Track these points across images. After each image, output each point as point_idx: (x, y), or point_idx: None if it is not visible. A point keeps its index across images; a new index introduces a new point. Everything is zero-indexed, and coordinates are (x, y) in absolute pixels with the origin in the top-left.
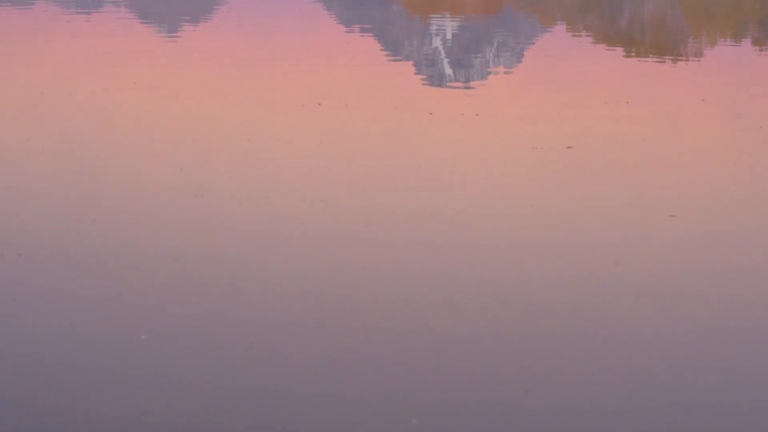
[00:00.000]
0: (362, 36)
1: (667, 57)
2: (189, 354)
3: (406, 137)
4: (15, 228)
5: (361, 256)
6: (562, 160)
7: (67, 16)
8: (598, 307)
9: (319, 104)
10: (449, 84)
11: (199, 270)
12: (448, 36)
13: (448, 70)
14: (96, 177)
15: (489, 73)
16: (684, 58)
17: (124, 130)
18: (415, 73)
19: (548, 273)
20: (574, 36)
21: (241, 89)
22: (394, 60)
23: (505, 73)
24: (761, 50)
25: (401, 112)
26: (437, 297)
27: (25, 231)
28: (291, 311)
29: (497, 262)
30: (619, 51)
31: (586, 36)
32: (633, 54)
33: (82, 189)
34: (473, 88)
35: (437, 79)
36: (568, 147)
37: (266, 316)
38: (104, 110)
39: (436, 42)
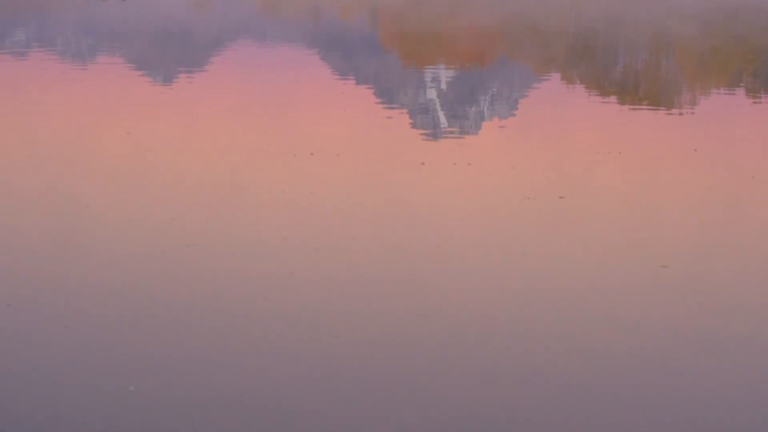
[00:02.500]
0: (357, 85)
1: (660, 107)
2: (177, 405)
3: (396, 187)
4: (5, 278)
5: (352, 306)
6: (554, 209)
7: (63, 65)
8: (590, 357)
9: (312, 154)
10: (443, 134)
11: (190, 319)
12: (443, 86)
13: (443, 120)
14: (87, 226)
15: (483, 122)
16: (677, 108)
17: (116, 179)
18: (410, 123)
19: (539, 324)
20: (568, 86)
21: (233, 139)
22: (389, 110)
23: (500, 122)
24: (754, 100)
25: (393, 162)
26: (427, 347)
27: (15, 282)
28: (282, 361)
29: (488, 313)
30: (613, 101)
31: (580, 86)
32: (626, 104)
33: (74, 238)
34: (467, 137)
35: (431, 129)
36: (561, 197)
37: (256, 365)
38: (97, 159)
39: (431, 92)
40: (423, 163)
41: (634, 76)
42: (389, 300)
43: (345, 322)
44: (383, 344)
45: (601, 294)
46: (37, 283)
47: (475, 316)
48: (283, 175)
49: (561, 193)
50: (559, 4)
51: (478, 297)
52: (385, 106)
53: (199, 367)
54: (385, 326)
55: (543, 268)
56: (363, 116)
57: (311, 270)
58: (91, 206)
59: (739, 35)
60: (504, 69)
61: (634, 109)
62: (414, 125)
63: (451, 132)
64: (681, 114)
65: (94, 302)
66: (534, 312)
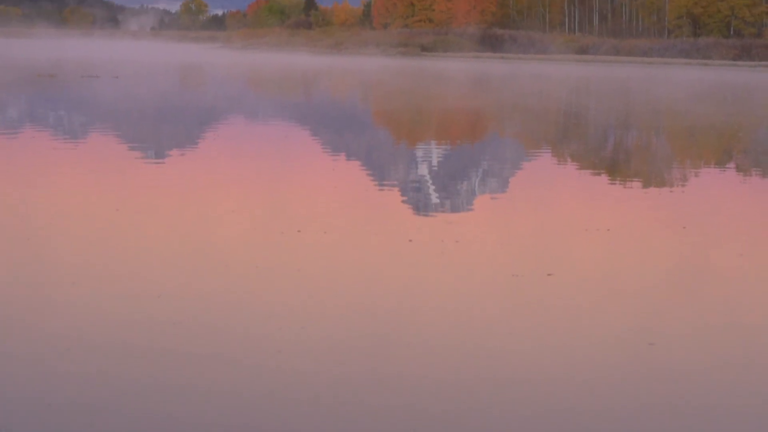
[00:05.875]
0: (348, 162)
1: (650, 183)
2: None
3: (383, 264)
4: None
5: (338, 385)
6: (542, 287)
7: (55, 142)
8: None
9: (299, 231)
10: (433, 211)
11: (176, 397)
12: (435, 163)
13: (433, 197)
14: (72, 304)
15: (474, 199)
16: (667, 184)
17: (102, 255)
18: (400, 200)
19: (528, 401)
20: (559, 162)
21: (222, 215)
22: (379, 186)
23: (490, 199)
24: (744, 178)
25: (381, 239)
26: (414, 427)
27: None
28: None
29: (476, 392)
30: (603, 177)
31: (571, 163)
32: (616, 181)
33: (58, 313)
34: (457, 214)
35: (422, 206)
36: (549, 274)
37: None
38: (84, 236)
39: (422, 168)
40: (410, 240)
41: (624, 153)
42: (376, 379)
43: (332, 400)
44: (369, 425)
45: (587, 371)
46: (18, 358)
47: (464, 394)
48: (270, 252)
49: (549, 271)
50: (550, 81)
51: (465, 375)
52: (376, 182)
53: None
54: (371, 406)
55: (530, 346)
56: (352, 193)
57: (298, 348)
58: (75, 284)
59: (732, 113)
60: (495, 145)
61: (624, 186)
62: (404, 202)
63: (441, 209)
64: (671, 191)
65: (78, 383)
66: (521, 390)
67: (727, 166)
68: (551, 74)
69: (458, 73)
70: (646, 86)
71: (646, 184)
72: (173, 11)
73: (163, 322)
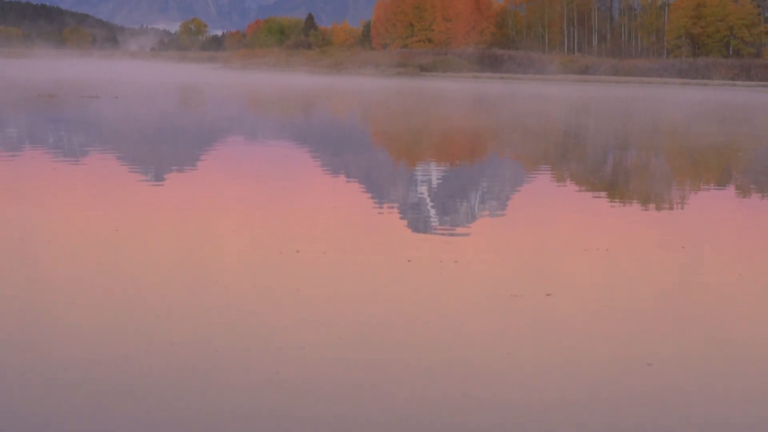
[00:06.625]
0: (348, 182)
1: (649, 204)
2: None
3: (381, 285)
4: None
5: (337, 407)
6: (541, 307)
7: (55, 163)
8: None
9: (297, 251)
10: (433, 231)
11: (174, 416)
12: (434, 183)
13: (433, 217)
14: (70, 324)
15: (473, 219)
16: (667, 204)
17: (101, 276)
18: (399, 220)
19: (526, 425)
20: (558, 183)
21: (220, 236)
22: (379, 206)
23: (489, 219)
24: (743, 197)
25: (379, 259)
26: None
27: None
28: None
29: (474, 411)
30: (603, 197)
31: (570, 183)
32: (616, 201)
33: (56, 336)
34: (456, 234)
35: (421, 226)
36: (548, 294)
37: None
38: (82, 257)
39: (422, 188)
40: (409, 261)
41: (624, 173)
42: (375, 398)
43: (332, 420)
44: None
45: (586, 391)
46: (13, 385)
47: (463, 414)
48: (269, 272)
49: (548, 291)
50: (549, 101)
51: (464, 394)
52: (375, 202)
53: None
54: (371, 425)
55: (528, 366)
56: (352, 213)
57: (296, 369)
58: (73, 304)
59: (731, 133)
60: (495, 166)
61: (623, 206)
62: (403, 222)
63: (441, 229)
64: (670, 211)
65: (73, 400)
66: (520, 410)
67: (726, 186)
68: (550, 94)
69: (457, 93)
70: (646, 106)
71: (646, 205)
72: (173, 32)
73: (161, 341)
